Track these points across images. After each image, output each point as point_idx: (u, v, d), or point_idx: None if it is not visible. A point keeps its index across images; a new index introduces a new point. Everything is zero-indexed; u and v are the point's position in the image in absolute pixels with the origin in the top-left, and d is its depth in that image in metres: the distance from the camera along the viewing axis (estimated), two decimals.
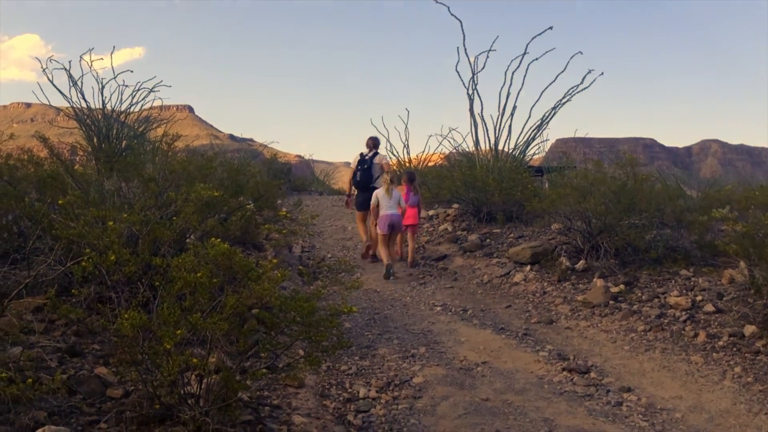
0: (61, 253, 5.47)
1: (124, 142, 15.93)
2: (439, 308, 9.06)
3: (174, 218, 5.72)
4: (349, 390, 6.10)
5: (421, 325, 8.18)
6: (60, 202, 5.61)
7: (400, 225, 11.54)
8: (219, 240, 4.40)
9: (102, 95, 16.31)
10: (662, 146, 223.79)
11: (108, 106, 16.36)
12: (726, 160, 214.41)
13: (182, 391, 4.10)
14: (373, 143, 12.60)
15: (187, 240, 6.62)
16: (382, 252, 11.19)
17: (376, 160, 12.36)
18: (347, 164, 13.93)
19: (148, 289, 4.77)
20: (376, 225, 11.47)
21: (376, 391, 6.05)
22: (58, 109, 18.29)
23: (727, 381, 6.19)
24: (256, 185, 10.39)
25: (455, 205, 14.97)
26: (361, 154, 12.48)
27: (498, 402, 5.79)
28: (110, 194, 6.86)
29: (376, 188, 11.76)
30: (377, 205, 11.42)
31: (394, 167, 21.15)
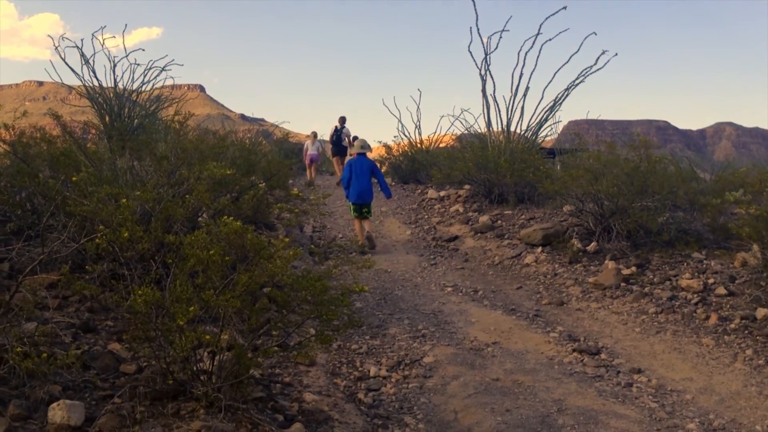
0: (74, 230, 5.50)
1: (135, 121, 15.95)
2: (449, 289, 9.07)
3: (187, 196, 5.73)
4: (360, 369, 6.14)
5: (432, 306, 8.20)
6: (73, 179, 5.62)
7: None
8: (231, 218, 4.41)
9: (114, 74, 16.32)
10: (676, 129, 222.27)
11: (120, 85, 16.38)
12: (740, 143, 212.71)
13: (195, 368, 4.13)
14: (342, 120, 19.88)
15: (199, 218, 6.65)
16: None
17: (344, 132, 19.69)
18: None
19: (161, 267, 4.79)
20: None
21: (387, 370, 6.09)
22: (71, 88, 18.32)
23: (738, 363, 6.18)
24: (268, 164, 10.39)
25: (467, 186, 14.94)
26: (335, 127, 19.83)
27: (508, 382, 5.81)
28: (123, 172, 6.88)
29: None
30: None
31: (405, 147, 21.45)
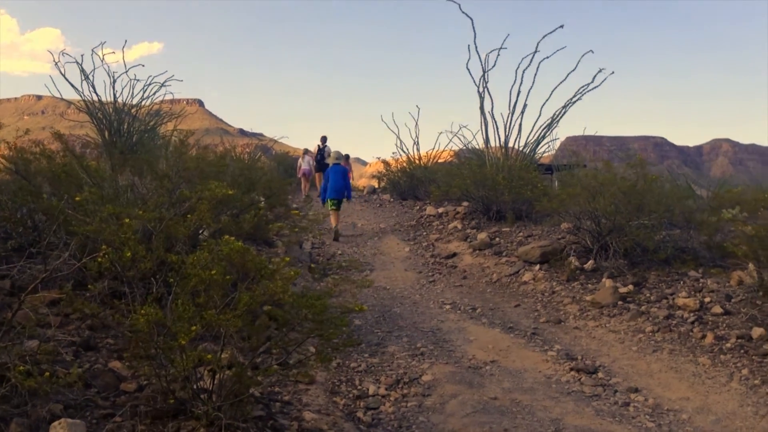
0: (76, 248, 5.53)
1: (135, 137, 16.01)
2: (448, 306, 9.10)
3: (188, 215, 5.78)
4: (359, 387, 6.16)
5: (431, 323, 8.23)
6: (77, 198, 5.67)
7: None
8: (233, 238, 4.45)
9: (113, 89, 16.40)
10: (673, 145, 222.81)
11: (119, 100, 16.45)
12: (737, 159, 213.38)
13: (195, 386, 4.16)
14: (323, 139, 21.92)
15: (200, 236, 6.68)
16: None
17: (326, 150, 20.99)
18: (358, 160, 22.40)
19: (162, 285, 4.83)
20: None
21: (386, 389, 6.11)
22: (69, 102, 18.38)
23: (735, 383, 6.21)
24: (268, 183, 10.44)
25: (465, 203, 15.00)
26: (318, 146, 21.84)
27: (506, 401, 5.84)
28: (124, 190, 6.93)
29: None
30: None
31: (403, 163, 21.66)
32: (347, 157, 18.85)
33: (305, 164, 23.06)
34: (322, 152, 21.32)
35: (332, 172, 14.60)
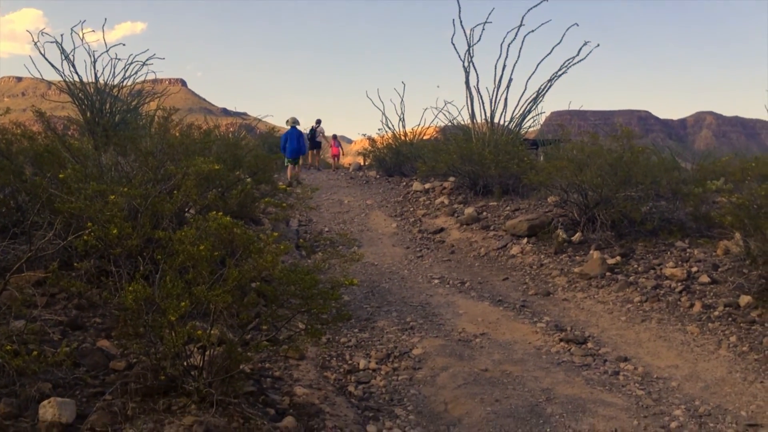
0: (61, 227, 5.46)
1: (117, 117, 15.80)
2: (436, 281, 9.11)
3: (175, 192, 5.71)
4: (350, 362, 6.16)
5: (420, 298, 8.23)
6: (61, 176, 5.58)
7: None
8: (221, 213, 4.40)
9: (95, 69, 16.12)
10: (657, 118, 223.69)
11: (101, 80, 16.19)
12: (720, 132, 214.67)
13: (186, 363, 4.13)
14: (318, 122, 24.46)
15: (186, 213, 6.62)
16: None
17: (318, 129, 24.16)
18: (333, 136, 27.58)
19: (149, 263, 4.77)
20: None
21: (376, 363, 6.12)
22: (50, 83, 18.09)
23: (723, 350, 6.26)
24: (255, 159, 10.36)
25: (451, 178, 14.98)
26: (312, 127, 24.09)
27: (497, 372, 5.86)
28: (108, 168, 6.84)
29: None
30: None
31: (389, 140, 21.72)
32: (335, 136, 25.30)
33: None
34: (314, 132, 23.97)
35: (290, 134, 18.35)
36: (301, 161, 24.32)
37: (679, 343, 6.56)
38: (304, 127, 21.18)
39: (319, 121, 24.67)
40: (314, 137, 23.78)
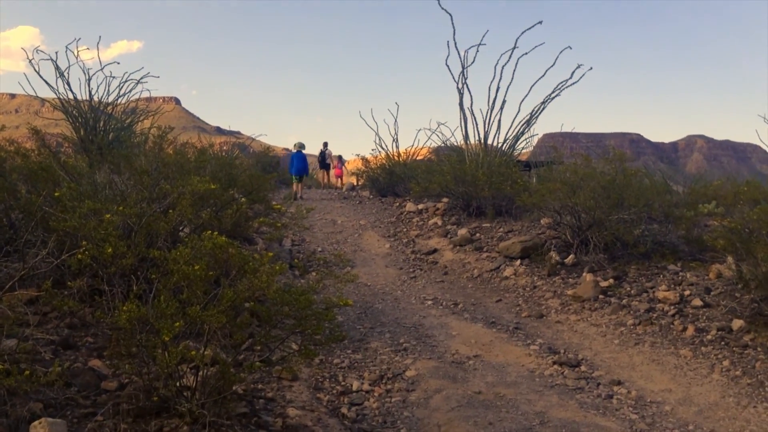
0: (54, 245, 5.43)
1: (111, 134, 15.79)
2: (430, 302, 9.10)
3: (170, 211, 5.70)
4: (343, 383, 6.13)
5: (413, 319, 8.21)
6: (56, 194, 5.56)
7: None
8: (215, 233, 4.40)
9: (89, 87, 16.14)
10: (648, 141, 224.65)
11: (95, 98, 16.21)
12: (711, 155, 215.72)
13: (178, 384, 4.10)
14: (325, 144, 25.97)
15: (180, 232, 6.60)
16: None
17: (327, 152, 25.93)
18: (338, 157, 27.79)
19: (143, 282, 4.75)
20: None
21: (369, 384, 6.09)
22: (44, 101, 18.09)
23: (716, 374, 6.27)
24: (250, 179, 10.36)
25: (445, 199, 15.00)
26: (321, 150, 25.97)
27: (490, 395, 5.84)
28: (102, 187, 6.82)
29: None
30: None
31: (383, 160, 21.75)
32: (340, 157, 27.35)
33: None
34: (323, 154, 26.13)
35: (295, 157, 21.19)
36: (303, 180, 25.48)
37: (673, 366, 6.56)
38: (311, 149, 23.51)
39: (326, 144, 26.23)
40: (324, 159, 26.14)
